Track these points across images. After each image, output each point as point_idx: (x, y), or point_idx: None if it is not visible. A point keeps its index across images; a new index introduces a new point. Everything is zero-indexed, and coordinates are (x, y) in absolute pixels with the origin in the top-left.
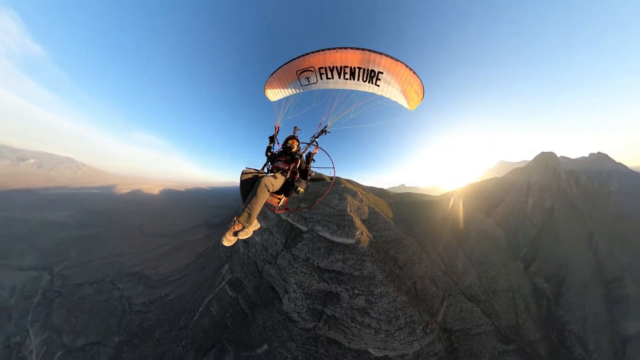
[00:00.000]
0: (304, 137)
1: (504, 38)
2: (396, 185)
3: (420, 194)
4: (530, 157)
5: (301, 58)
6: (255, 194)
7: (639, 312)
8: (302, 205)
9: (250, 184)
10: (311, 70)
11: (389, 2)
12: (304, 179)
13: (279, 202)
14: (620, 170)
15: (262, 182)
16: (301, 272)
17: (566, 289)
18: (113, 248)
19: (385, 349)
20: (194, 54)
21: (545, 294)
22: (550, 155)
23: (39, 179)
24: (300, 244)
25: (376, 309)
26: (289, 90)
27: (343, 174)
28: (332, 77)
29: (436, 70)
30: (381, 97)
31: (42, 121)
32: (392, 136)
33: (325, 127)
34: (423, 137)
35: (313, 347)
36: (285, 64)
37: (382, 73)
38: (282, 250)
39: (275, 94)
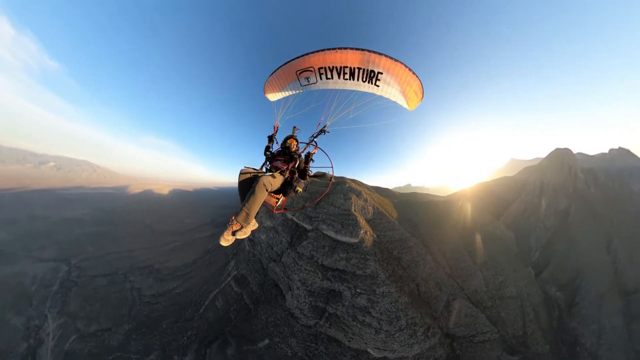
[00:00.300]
0: (303, 137)
1: (521, 24)
2: (402, 185)
3: (426, 194)
4: (543, 154)
5: (301, 58)
6: (253, 193)
7: None
8: (307, 204)
9: (248, 183)
10: (311, 71)
11: None
12: (303, 179)
13: (277, 202)
14: None
15: (260, 181)
16: (305, 269)
17: (580, 299)
18: (125, 244)
19: (384, 349)
20: (196, 56)
21: (557, 303)
22: (566, 151)
23: (58, 180)
24: (305, 242)
25: (377, 308)
26: (289, 90)
27: (348, 174)
28: (332, 77)
29: (443, 65)
30: (380, 97)
31: (61, 128)
32: (398, 135)
33: (324, 127)
34: (429, 136)
35: (313, 344)
36: (284, 64)
37: (381, 73)
38: (287, 249)
39: (274, 94)
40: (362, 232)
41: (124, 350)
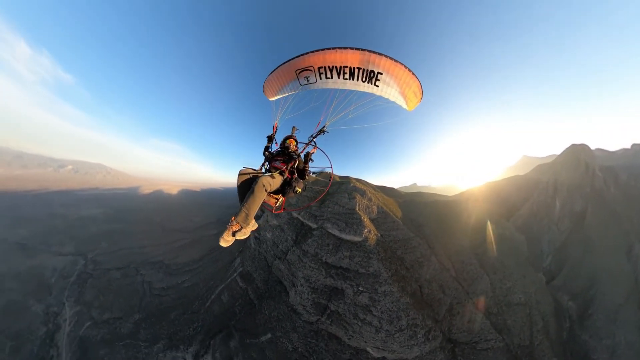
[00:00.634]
0: (302, 136)
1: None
2: (407, 184)
3: (432, 193)
4: (558, 150)
5: (301, 57)
6: (252, 193)
7: None
8: (310, 203)
9: (247, 183)
10: (311, 70)
11: None
12: (302, 179)
13: (276, 202)
14: None
15: (259, 181)
16: (309, 266)
17: (594, 310)
18: (137, 240)
19: (384, 349)
20: (196, 56)
21: (569, 313)
22: (582, 148)
23: (75, 182)
24: (310, 240)
25: (379, 307)
26: (288, 89)
27: (353, 173)
28: (332, 77)
29: (451, 60)
30: (380, 97)
31: (77, 135)
32: (404, 134)
33: (324, 127)
34: (437, 134)
35: (314, 340)
36: (284, 63)
37: (381, 74)
38: (292, 246)
39: (274, 93)
40: (366, 230)
41: (134, 338)
